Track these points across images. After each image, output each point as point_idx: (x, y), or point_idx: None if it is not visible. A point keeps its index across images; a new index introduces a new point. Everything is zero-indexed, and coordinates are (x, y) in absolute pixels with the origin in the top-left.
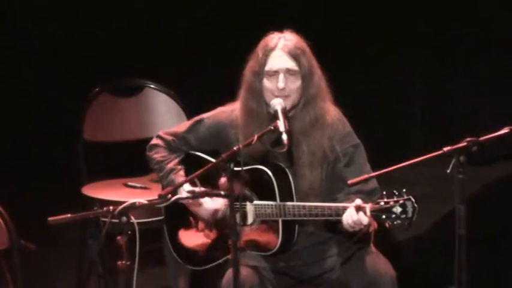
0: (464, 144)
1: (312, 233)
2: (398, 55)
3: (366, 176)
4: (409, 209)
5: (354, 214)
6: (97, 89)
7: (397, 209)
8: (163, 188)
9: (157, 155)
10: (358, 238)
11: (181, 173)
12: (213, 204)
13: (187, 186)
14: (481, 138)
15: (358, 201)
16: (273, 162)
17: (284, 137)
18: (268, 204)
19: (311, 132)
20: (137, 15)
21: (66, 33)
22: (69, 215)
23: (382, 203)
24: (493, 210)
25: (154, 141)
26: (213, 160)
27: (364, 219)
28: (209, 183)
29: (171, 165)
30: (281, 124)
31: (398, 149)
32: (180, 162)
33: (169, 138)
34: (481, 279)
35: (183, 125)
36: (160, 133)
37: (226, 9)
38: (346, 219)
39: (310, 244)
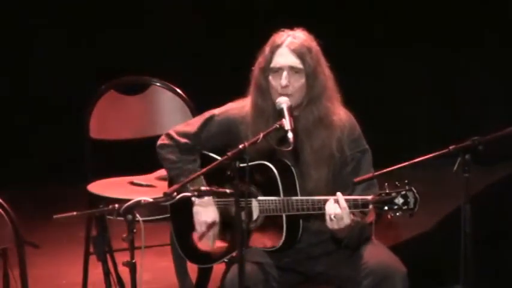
0: (470, 142)
1: (318, 230)
2: (404, 54)
3: (371, 174)
4: (411, 200)
5: (330, 204)
6: (103, 87)
7: (399, 200)
8: (172, 184)
9: (172, 156)
10: (345, 245)
11: (201, 177)
12: (208, 216)
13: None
14: (487, 137)
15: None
16: (278, 159)
17: (289, 135)
18: (271, 200)
19: (315, 131)
20: (142, 14)
21: (70, 31)
22: (74, 213)
23: (384, 194)
24: (500, 208)
25: (165, 140)
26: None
27: (338, 211)
28: (216, 181)
29: (190, 166)
30: (286, 122)
31: (403, 150)
32: (198, 167)
33: (182, 140)
34: (487, 278)
35: (194, 124)
36: (171, 133)
37: (231, 8)
38: (329, 209)
39: (316, 241)
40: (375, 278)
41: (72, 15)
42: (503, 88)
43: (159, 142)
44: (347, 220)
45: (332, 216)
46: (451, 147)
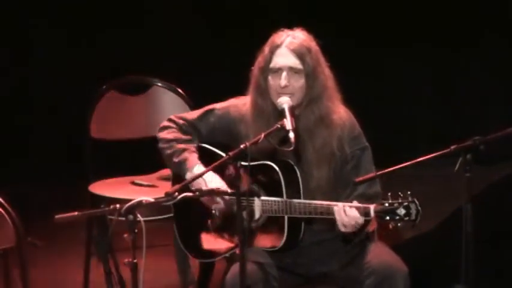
0: (471, 142)
1: (319, 230)
2: (404, 54)
3: (373, 174)
4: (413, 212)
5: (348, 210)
6: (104, 87)
7: (401, 211)
8: (171, 169)
9: (169, 135)
10: (355, 243)
11: (195, 154)
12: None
13: (198, 168)
14: (488, 137)
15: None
16: (282, 159)
17: (291, 135)
18: (274, 201)
19: (316, 131)
20: (144, 14)
21: (73, 30)
22: (76, 213)
23: (387, 204)
24: (501, 208)
25: (165, 123)
26: (223, 154)
27: (358, 217)
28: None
29: (183, 145)
30: (288, 123)
31: (405, 149)
32: (193, 146)
33: (181, 122)
34: (488, 278)
35: (195, 113)
36: (172, 116)
37: (233, 7)
38: (340, 219)
39: (317, 241)
40: (376, 277)
41: (72, 15)
42: (503, 88)
43: (160, 125)
44: (361, 220)
45: (347, 221)
46: (452, 147)
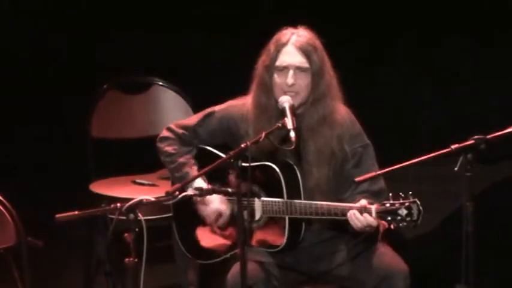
0: (472, 142)
1: (319, 230)
2: (404, 54)
3: (373, 173)
4: (415, 212)
5: (359, 217)
6: (105, 86)
7: (403, 211)
8: (173, 181)
9: (169, 148)
10: (364, 237)
11: (195, 167)
12: (218, 206)
13: (200, 182)
14: (489, 136)
15: (363, 202)
16: (282, 159)
17: (292, 134)
18: (275, 201)
19: (319, 130)
20: (145, 12)
21: (74, 29)
22: (76, 212)
23: (388, 205)
24: (501, 208)
25: (165, 133)
26: (223, 155)
27: (372, 221)
28: (218, 179)
29: (183, 159)
30: (289, 121)
31: (406, 147)
32: (192, 157)
33: (180, 131)
34: (489, 277)
35: (194, 118)
36: (171, 126)
37: (232, 7)
38: (352, 222)
39: (317, 241)
40: (377, 277)
41: (73, 15)
42: (503, 88)
43: (159, 136)
44: (374, 224)
45: (360, 226)
46: (452, 147)
